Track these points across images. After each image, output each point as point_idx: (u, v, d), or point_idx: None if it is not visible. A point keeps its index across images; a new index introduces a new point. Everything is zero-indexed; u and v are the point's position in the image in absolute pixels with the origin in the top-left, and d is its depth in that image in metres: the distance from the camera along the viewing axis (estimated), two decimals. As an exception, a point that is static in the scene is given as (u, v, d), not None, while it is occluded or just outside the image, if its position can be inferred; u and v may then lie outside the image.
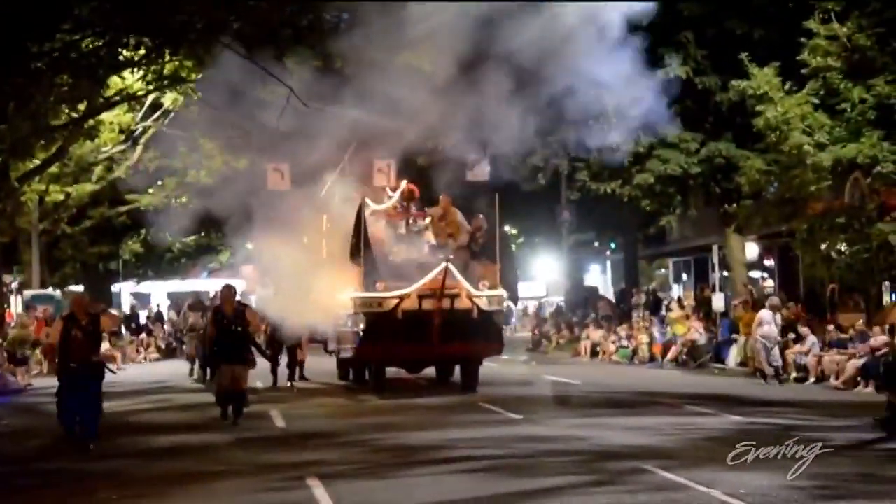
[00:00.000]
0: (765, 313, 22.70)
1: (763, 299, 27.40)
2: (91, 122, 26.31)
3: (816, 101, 23.91)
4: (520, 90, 21.02)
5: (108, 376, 14.73)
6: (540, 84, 20.87)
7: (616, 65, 21.69)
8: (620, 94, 24.05)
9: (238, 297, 16.92)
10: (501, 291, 20.68)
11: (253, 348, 16.75)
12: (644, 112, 24.63)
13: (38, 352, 25.45)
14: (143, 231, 39.26)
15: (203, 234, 41.83)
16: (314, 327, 22.80)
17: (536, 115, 21.83)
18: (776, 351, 22.50)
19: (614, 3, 20.99)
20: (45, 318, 27.78)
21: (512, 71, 20.72)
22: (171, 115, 29.76)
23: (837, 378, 21.21)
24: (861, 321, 22.62)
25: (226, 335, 16.08)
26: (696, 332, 27.77)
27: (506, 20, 20.43)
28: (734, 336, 26.60)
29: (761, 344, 22.45)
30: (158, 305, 43.09)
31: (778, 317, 22.88)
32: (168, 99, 28.74)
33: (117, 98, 26.54)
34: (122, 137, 30.56)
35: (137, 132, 30.94)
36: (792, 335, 23.41)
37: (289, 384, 22.55)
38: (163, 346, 35.90)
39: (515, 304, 23.54)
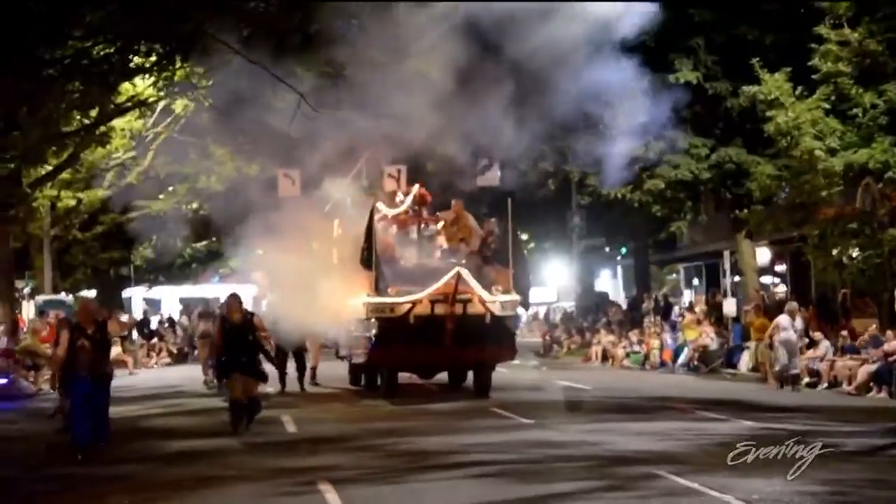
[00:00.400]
0: (783, 319, 22.46)
1: (775, 305, 27.36)
2: (102, 128, 26.35)
3: (827, 106, 23.91)
4: (529, 96, 21.07)
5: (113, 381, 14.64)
6: (548, 90, 20.92)
7: (622, 72, 21.81)
8: (627, 101, 24.20)
9: (246, 305, 16.86)
10: (514, 296, 20.64)
11: (262, 356, 16.44)
12: (649, 120, 24.78)
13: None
14: (153, 238, 39.28)
15: (214, 239, 41.88)
16: (325, 333, 22.81)
17: (545, 121, 21.89)
18: (797, 357, 22.17)
19: (617, 5, 21.02)
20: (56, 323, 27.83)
21: (522, 77, 20.78)
22: (182, 121, 29.83)
23: (850, 383, 21.16)
24: (873, 326, 22.56)
25: (234, 344, 15.88)
26: (708, 337, 27.71)
27: (513, 25, 20.46)
28: (746, 344, 26.49)
29: (783, 351, 22.18)
30: (171, 311, 43.20)
31: (798, 321, 22.58)
32: (179, 105, 28.81)
33: (128, 104, 26.61)
34: (134, 144, 30.60)
35: (148, 138, 31.00)
36: (805, 340, 23.31)
37: (299, 389, 22.59)
38: (174, 351, 35.95)
39: (526, 309, 23.40)
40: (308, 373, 23.42)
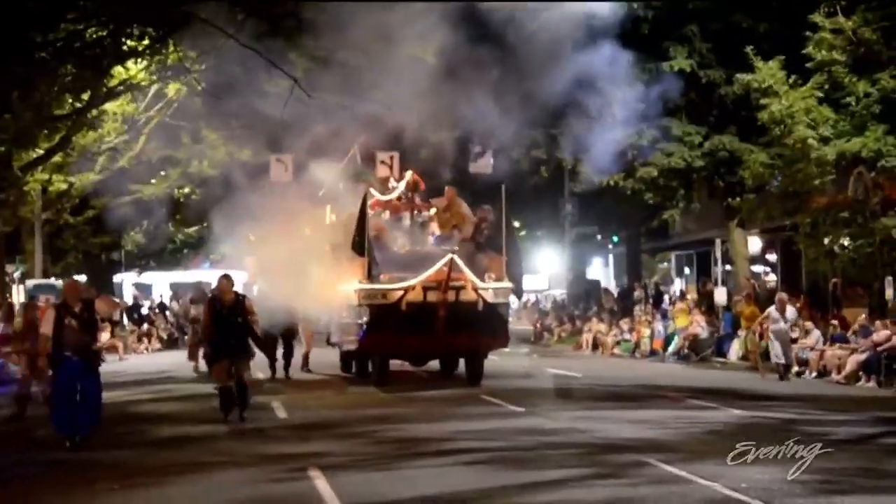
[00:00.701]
0: (773, 311, 22.27)
1: (766, 294, 27.36)
2: (94, 111, 26.26)
3: (821, 94, 23.93)
4: (521, 83, 21.07)
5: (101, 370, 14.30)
6: (540, 77, 20.93)
7: (614, 59, 21.86)
8: (619, 88, 24.23)
9: (237, 289, 16.65)
10: (507, 283, 20.61)
11: (251, 340, 15.97)
12: (643, 108, 24.83)
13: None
14: (144, 223, 39.15)
15: (205, 224, 41.78)
16: (317, 319, 22.77)
17: (537, 108, 21.90)
18: (789, 348, 22.02)
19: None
20: (47, 307, 27.69)
21: (514, 63, 20.78)
22: (175, 105, 29.72)
23: (839, 373, 21.18)
24: (863, 316, 22.58)
25: (223, 327, 15.52)
26: (698, 325, 27.73)
27: (503, 12, 20.46)
28: (737, 332, 26.48)
29: (777, 343, 21.91)
30: (162, 296, 43.11)
31: (790, 311, 22.32)
32: (171, 89, 28.70)
33: (121, 88, 26.51)
34: (126, 127, 30.49)
35: (140, 122, 30.88)
36: (797, 330, 23.28)
37: (285, 376, 22.56)
38: (165, 337, 35.90)
39: (519, 298, 23.24)
40: (300, 359, 23.41)
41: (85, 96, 24.95)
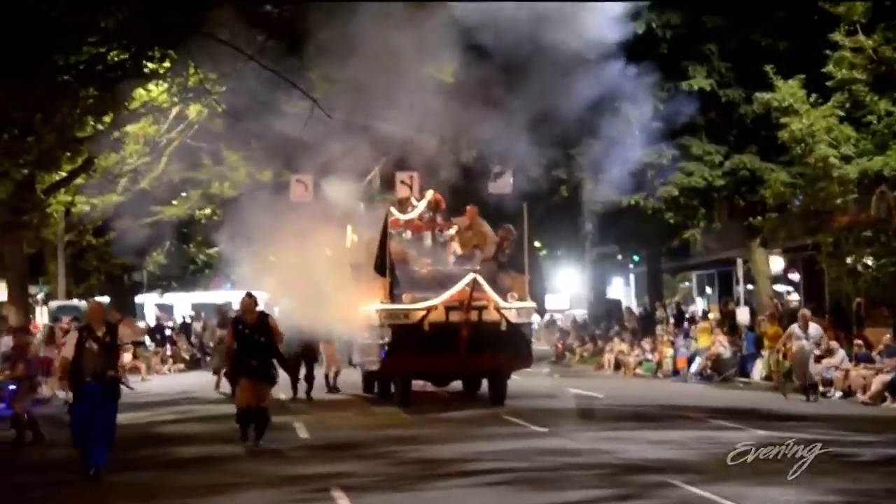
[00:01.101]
0: (796, 328, 22.06)
1: (788, 313, 27.20)
2: (116, 133, 26.42)
3: (842, 113, 23.83)
4: (539, 103, 21.09)
5: (125, 392, 14.01)
6: (558, 97, 20.96)
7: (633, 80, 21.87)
8: (638, 109, 24.23)
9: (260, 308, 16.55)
10: (530, 303, 20.55)
11: (275, 360, 15.68)
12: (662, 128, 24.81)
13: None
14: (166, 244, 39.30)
15: (226, 244, 41.81)
16: (339, 338, 22.76)
17: (556, 128, 21.91)
18: (812, 366, 21.70)
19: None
20: (70, 329, 27.80)
21: (532, 86, 20.82)
22: (196, 126, 29.85)
23: (864, 393, 21.03)
24: (888, 336, 22.41)
25: (247, 347, 15.28)
26: (721, 345, 27.59)
27: (516, 32, 20.48)
28: (761, 352, 26.31)
29: (799, 360, 21.66)
30: (184, 317, 43.21)
31: (812, 328, 21.88)
32: (192, 111, 28.83)
33: (142, 110, 26.66)
34: (148, 149, 30.64)
35: (162, 144, 31.01)
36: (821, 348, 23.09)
37: (307, 397, 22.54)
38: (187, 358, 35.96)
39: (542, 317, 23.03)
40: (322, 380, 23.40)
41: (107, 118, 25.10)
